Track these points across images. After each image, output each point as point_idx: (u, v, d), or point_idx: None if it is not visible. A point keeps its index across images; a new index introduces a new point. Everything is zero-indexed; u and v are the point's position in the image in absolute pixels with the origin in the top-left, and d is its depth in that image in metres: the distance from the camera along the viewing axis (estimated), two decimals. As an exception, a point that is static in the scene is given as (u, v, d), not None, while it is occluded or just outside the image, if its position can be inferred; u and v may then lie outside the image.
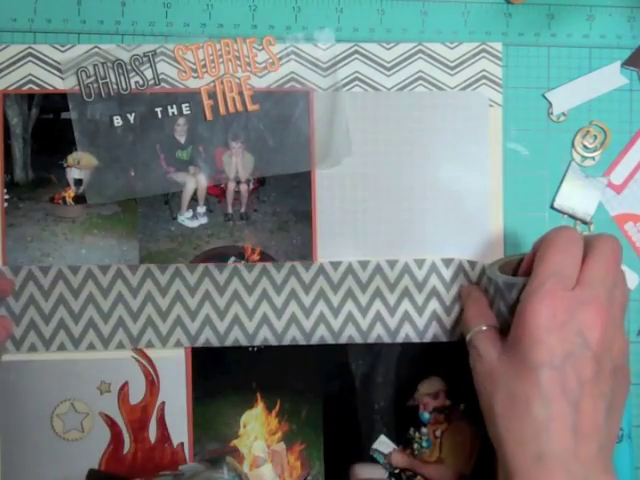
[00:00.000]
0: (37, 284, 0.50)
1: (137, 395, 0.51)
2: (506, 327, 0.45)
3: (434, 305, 0.51)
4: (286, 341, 0.51)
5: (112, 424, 0.51)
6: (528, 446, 0.40)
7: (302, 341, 0.51)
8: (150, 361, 0.51)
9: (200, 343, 0.51)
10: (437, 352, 0.52)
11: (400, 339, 0.51)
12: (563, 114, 0.53)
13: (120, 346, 0.50)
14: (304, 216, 0.51)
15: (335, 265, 0.51)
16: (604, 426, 0.41)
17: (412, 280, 0.51)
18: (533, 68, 0.52)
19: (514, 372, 0.41)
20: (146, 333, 0.50)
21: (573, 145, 0.53)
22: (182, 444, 0.51)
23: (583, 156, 0.53)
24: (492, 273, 0.47)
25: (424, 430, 0.52)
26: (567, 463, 0.39)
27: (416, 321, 0.51)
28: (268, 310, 0.51)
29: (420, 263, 0.51)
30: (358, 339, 0.51)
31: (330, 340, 0.51)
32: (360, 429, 0.52)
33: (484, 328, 0.46)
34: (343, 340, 0.51)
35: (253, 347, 0.51)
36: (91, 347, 0.50)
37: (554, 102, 0.52)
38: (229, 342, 0.51)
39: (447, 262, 0.51)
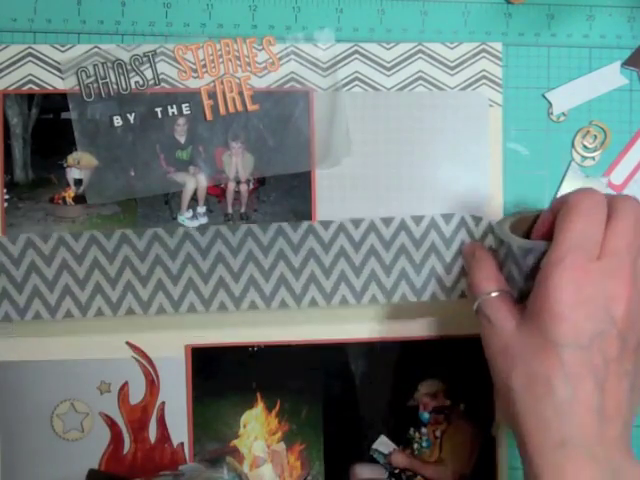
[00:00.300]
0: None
1: (137, 395, 0.51)
2: (519, 294, 0.42)
3: (433, 262, 0.49)
4: (275, 304, 0.49)
5: (112, 424, 0.51)
6: (550, 430, 0.38)
7: (291, 303, 0.49)
8: (150, 361, 0.51)
9: (184, 310, 0.49)
10: (437, 352, 0.52)
11: (397, 298, 0.50)
12: (563, 114, 0.53)
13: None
14: (304, 216, 0.51)
15: (326, 224, 0.50)
16: (627, 406, 0.39)
17: (409, 237, 0.49)
18: (533, 68, 0.52)
19: (534, 349, 0.39)
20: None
21: (573, 145, 0.53)
22: (182, 444, 0.51)
23: (583, 156, 0.53)
24: (503, 234, 0.43)
25: (424, 430, 0.52)
26: (591, 447, 0.37)
27: (413, 279, 0.50)
28: (255, 272, 0.49)
29: (418, 220, 0.50)
30: (351, 300, 0.50)
31: (322, 302, 0.50)
32: (360, 429, 0.52)
33: (495, 294, 0.42)
34: (336, 302, 0.50)
35: (253, 347, 0.51)
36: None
37: (554, 102, 0.52)
38: (214, 307, 0.49)
39: (447, 218, 0.49)
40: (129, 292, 0.49)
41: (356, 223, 0.50)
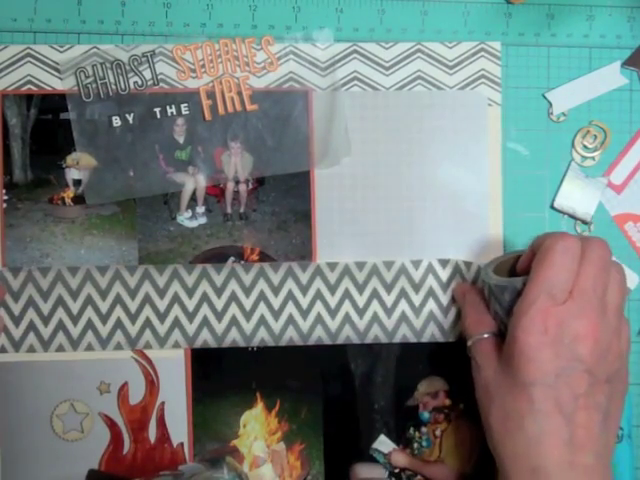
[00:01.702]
0: (36, 286, 0.50)
1: (137, 395, 0.51)
2: (504, 328, 0.45)
3: (431, 306, 0.51)
4: (283, 342, 0.51)
5: (112, 424, 0.51)
6: (522, 461, 0.41)
7: (299, 342, 0.51)
8: (150, 361, 0.51)
9: (198, 344, 0.51)
10: (437, 351, 0.52)
11: (397, 339, 0.51)
12: (563, 114, 0.53)
13: (118, 347, 0.50)
14: (303, 216, 0.51)
15: (332, 266, 0.51)
16: (600, 436, 0.41)
17: (409, 281, 0.51)
18: (533, 68, 0.52)
19: (507, 388, 0.42)
20: (144, 334, 0.50)
21: (573, 145, 0.53)
22: (182, 444, 0.51)
23: (583, 156, 0.53)
24: (485, 275, 0.47)
25: (424, 430, 0.52)
26: (563, 475, 0.40)
27: (413, 322, 0.51)
28: (266, 312, 0.51)
29: (417, 264, 0.51)
30: (355, 340, 0.51)
31: (327, 341, 0.51)
32: (360, 429, 0.52)
33: (485, 336, 0.46)
34: (340, 341, 0.51)
35: (253, 347, 0.51)
36: (89, 348, 0.50)
37: (554, 102, 0.52)
38: (227, 343, 0.51)
39: (444, 263, 0.51)
40: (147, 328, 0.51)
41: (360, 266, 0.51)
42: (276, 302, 0.51)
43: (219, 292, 0.51)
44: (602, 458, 0.41)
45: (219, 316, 0.51)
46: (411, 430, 0.52)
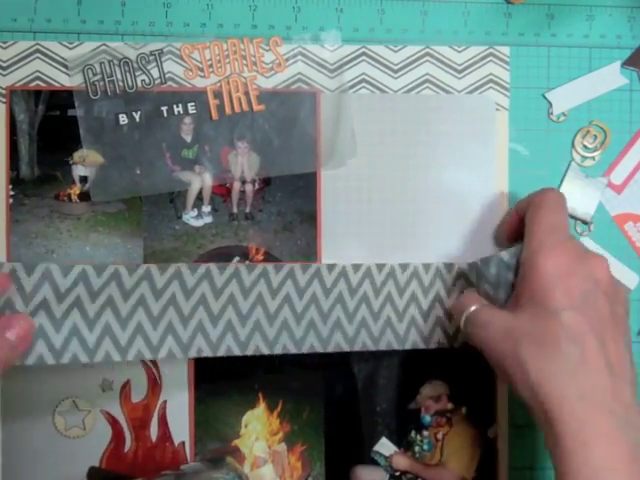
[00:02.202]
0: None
1: (139, 393, 0.51)
2: (499, 304, 0.46)
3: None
4: (277, 350, 0.49)
5: (114, 422, 0.51)
6: (569, 386, 0.39)
7: (292, 349, 0.49)
8: (153, 360, 0.51)
9: (192, 354, 0.48)
10: (439, 355, 0.52)
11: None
12: (563, 114, 0.53)
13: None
14: (309, 217, 0.51)
15: (330, 268, 0.50)
16: (630, 365, 0.41)
17: (395, 286, 0.50)
18: (533, 68, 0.52)
19: (536, 321, 0.41)
20: (135, 341, 0.47)
21: (573, 145, 0.53)
22: (183, 443, 0.51)
23: (583, 156, 0.53)
24: (473, 262, 0.48)
25: (425, 433, 0.52)
26: (609, 403, 0.39)
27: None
28: (262, 316, 0.49)
29: (404, 267, 0.50)
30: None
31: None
32: (361, 431, 0.52)
33: (476, 307, 0.45)
34: (330, 348, 0.49)
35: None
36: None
37: (554, 102, 0.52)
38: (221, 352, 0.48)
39: (426, 267, 0.51)
40: (138, 334, 0.47)
41: (356, 268, 0.50)
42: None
43: (217, 295, 0.49)
44: (636, 390, 0.40)
45: (215, 320, 0.49)
46: (412, 433, 0.52)
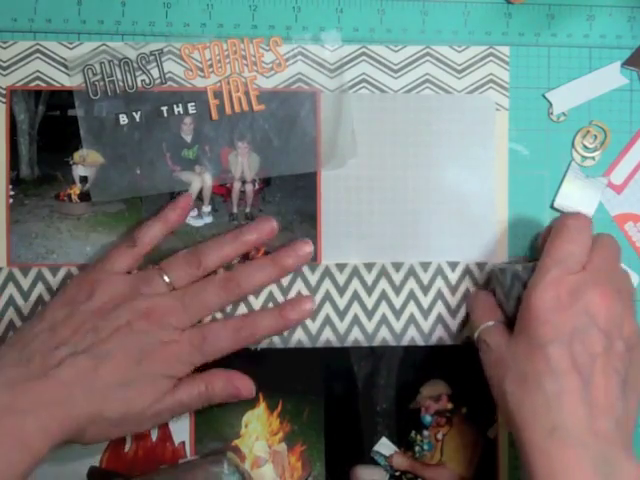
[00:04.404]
0: (46, 285, 0.50)
1: (139, 393, 0.51)
2: (507, 315, 0.47)
3: (439, 308, 0.51)
4: (292, 344, 0.51)
5: (114, 422, 0.51)
6: (540, 419, 0.40)
7: (308, 344, 0.51)
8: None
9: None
10: (440, 355, 0.52)
11: (405, 342, 0.51)
12: (563, 114, 0.53)
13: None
14: (309, 217, 0.51)
15: (340, 267, 0.51)
16: (619, 402, 0.41)
17: (417, 283, 0.51)
18: (533, 68, 0.52)
19: (524, 353, 0.42)
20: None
21: (573, 145, 0.53)
22: (183, 443, 0.51)
23: (583, 156, 0.53)
24: (493, 265, 0.49)
25: (425, 433, 0.52)
26: (582, 437, 0.39)
27: (421, 324, 0.51)
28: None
29: (426, 266, 0.51)
30: (364, 342, 0.51)
31: (336, 344, 0.51)
32: (361, 431, 0.52)
33: (492, 323, 0.46)
34: (348, 343, 0.51)
35: (255, 347, 0.51)
36: None
37: (554, 102, 0.52)
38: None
39: (453, 265, 0.51)
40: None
41: (369, 267, 0.51)
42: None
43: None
44: (622, 427, 0.41)
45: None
46: (413, 433, 0.52)
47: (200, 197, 0.51)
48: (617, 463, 0.39)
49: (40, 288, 0.50)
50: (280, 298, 0.51)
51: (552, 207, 0.53)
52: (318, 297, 0.51)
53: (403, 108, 0.51)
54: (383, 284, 0.51)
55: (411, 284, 0.51)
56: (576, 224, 0.44)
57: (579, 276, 0.42)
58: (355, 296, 0.51)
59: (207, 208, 0.51)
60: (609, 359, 0.41)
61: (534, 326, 0.42)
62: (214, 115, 0.51)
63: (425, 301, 0.51)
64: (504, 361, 0.43)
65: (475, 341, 0.47)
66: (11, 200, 0.50)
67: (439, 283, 0.51)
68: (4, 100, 0.50)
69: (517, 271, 0.46)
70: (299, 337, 0.51)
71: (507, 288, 0.47)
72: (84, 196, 0.51)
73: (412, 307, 0.51)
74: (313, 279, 0.51)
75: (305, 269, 0.51)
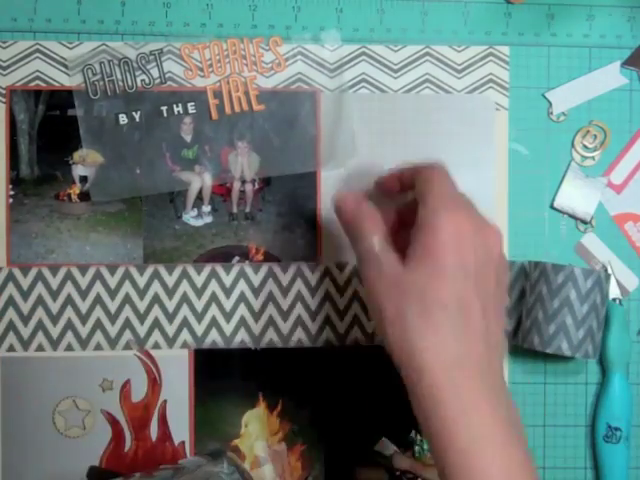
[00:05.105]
0: (46, 285, 0.50)
1: (139, 393, 0.51)
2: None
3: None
4: (292, 344, 0.51)
5: (113, 422, 0.51)
6: (446, 352, 0.39)
7: (308, 344, 0.51)
8: (153, 359, 0.51)
9: (207, 345, 0.51)
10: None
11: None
12: (563, 114, 0.53)
13: (127, 347, 0.51)
14: (309, 217, 0.51)
15: (340, 267, 0.51)
16: (503, 342, 0.43)
17: None
18: (533, 68, 0.52)
19: (428, 281, 0.39)
20: (153, 334, 0.51)
21: (573, 145, 0.53)
22: (183, 443, 0.51)
23: (583, 156, 0.53)
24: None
25: (425, 433, 0.52)
26: (484, 373, 0.39)
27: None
28: (274, 312, 0.51)
29: None
30: (364, 342, 0.51)
31: (336, 343, 0.51)
32: (361, 431, 0.52)
33: (382, 238, 0.42)
34: (349, 343, 0.51)
35: (255, 347, 0.51)
36: (98, 348, 0.51)
37: (554, 102, 0.52)
38: (235, 344, 0.51)
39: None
40: (156, 328, 0.51)
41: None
42: (284, 303, 0.51)
43: (228, 292, 0.51)
44: (502, 364, 0.41)
45: (227, 317, 0.51)
46: (412, 433, 0.52)
47: (200, 197, 0.51)
48: (505, 398, 0.39)
49: (40, 288, 0.50)
50: (280, 298, 0.51)
51: (552, 207, 0.53)
52: (318, 297, 0.51)
53: (402, 108, 0.51)
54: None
55: None
56: (445, 172, 0.42)
57: (476, 210, 0.41)
58: (355, 296, 0.51)
59: (207, 208, 0.51)
60: (500, 295, 0.42)
61: (439, 251, 0.39)
62: (214, 115, 0.51)
63: None
64: (403, 287, 0.40)
65: (358, 258, 0.43)
66: (11, 200, 0.50)
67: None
68: (4, 100, 0.50)
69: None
70: (299, 337, 0.51)
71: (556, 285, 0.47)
72: (84, 196, 0.51)
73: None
74: (313, 279, 0.51)
75: (305, 269, 0.51)
